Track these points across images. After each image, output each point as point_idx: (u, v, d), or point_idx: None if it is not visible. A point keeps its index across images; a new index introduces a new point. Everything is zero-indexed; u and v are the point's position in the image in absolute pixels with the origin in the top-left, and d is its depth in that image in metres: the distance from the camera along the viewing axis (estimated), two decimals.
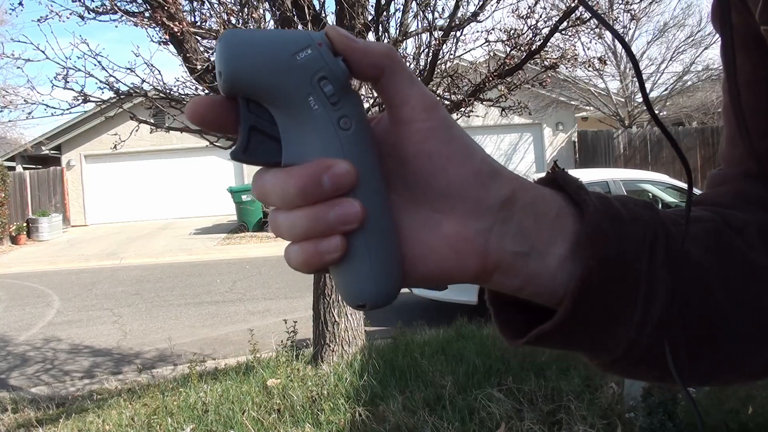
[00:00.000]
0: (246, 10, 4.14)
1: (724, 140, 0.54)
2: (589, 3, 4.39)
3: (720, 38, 0.48)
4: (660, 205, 7.60)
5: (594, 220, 0.36)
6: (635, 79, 17.46)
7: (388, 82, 0.35)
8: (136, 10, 4.10)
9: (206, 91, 4.25)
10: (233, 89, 0.33)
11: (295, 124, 0.34)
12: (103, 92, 4.37)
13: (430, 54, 4.28)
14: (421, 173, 0.36)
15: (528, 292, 0.38)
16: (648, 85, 18.26)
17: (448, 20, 4.27)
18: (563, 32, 4.54)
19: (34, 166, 19.27)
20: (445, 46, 4.37)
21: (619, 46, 17.40)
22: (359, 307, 0.35)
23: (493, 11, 4.71)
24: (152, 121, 4.73)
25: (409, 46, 7.63)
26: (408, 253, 0.36)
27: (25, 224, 16.34)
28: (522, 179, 0.38)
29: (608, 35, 16.03)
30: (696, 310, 0.39)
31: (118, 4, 4.02)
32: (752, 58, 0.49)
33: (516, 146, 17.94)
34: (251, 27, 4.07)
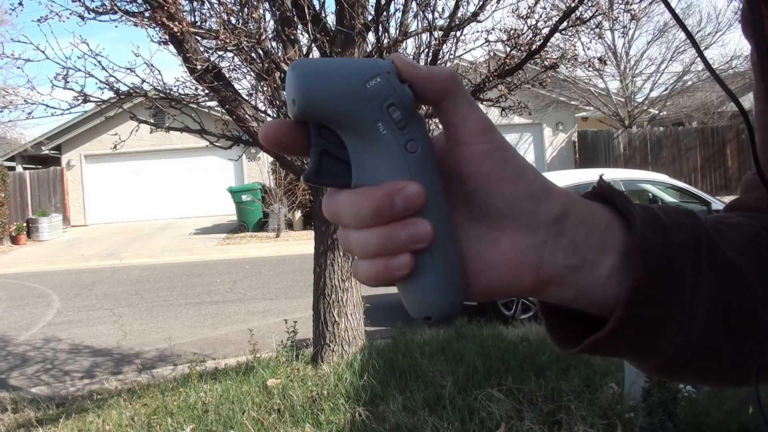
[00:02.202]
0: (246, 10, 4.14)
1: (759, 145, 0.54)
2: (589, 3, 4.38)
3: (750, 45, 0.49)
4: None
5: (641, 231, 0.38)
6: (635, 78, 17.52)
7: (449, 105, 0.37)
8: (136, 10, 4.09)
9: (206, 91, 4.25)
10: (306, 116, 0.35)
11: (364, 148, 0.36)
12: (103, 92, 4.37)
13: (430, 54, 4.28)
14: (477, 193, 0.38)
15: (581, 303, 0.40)
16: (648, 85, 18.25)
17: (448, 20, 4.26)
18: (563, 32, 4.54)
19: (34, 166, 19.28)
20: (445, 46, 4.36)
21: (619, 46, 17.42)
22: (426, 319, 0.37)
23: (493, 11, 4.71)
24: (152, 121, 4.73)
25: (409, 46, 7.64)
26: (467, 268, 0.38)
27: (25, 224, 16.34)
28: (572, 195, 0.40)
29: (608, 35, 16.04)
30: (740, 313, 0.40)
31: (118, 4, 4.01)
32: None
33: (516, 146, 17.85)
34: (251, 27, 4.07)
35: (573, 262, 0.38)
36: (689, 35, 0.46)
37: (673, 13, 0.49)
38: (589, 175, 7.45)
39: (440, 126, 0.39)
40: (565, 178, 7.33)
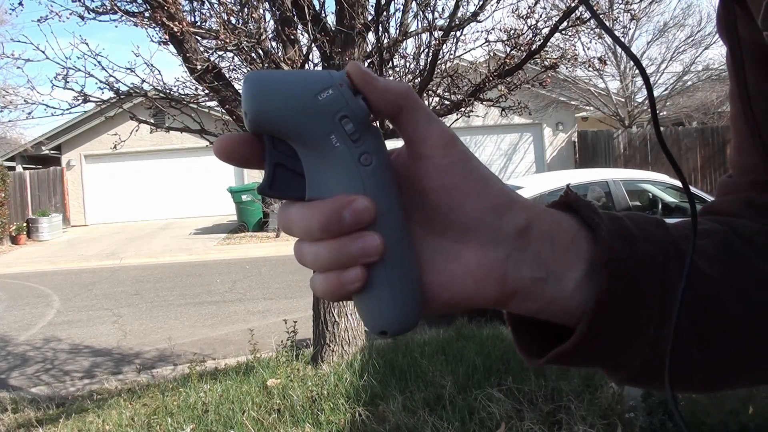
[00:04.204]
0: (246, 10, 4.14)
1: (733, 149, 0.54)
2: (590, 3, 4.40)
3: (726, 48, 0.49)
4: (660, 205, 7.59)
5: (607, 243, 0.38)
6: (635, 78, 17.49)
7: (407, 120, 0.37)
8: (136, 10, 4.10)
9: (206, 91, 4.25)
10: (258, 128, 0.35)
11: (318, 160, 0.35)
12: (103, 92, 4.37)
13: (430, 54, 4.28)
14: (440, 206, 0.37)
15: (546, 315, 0.39)
16: None
17: (448, 20, 4.27)
18: (563, 32, 4.54)
19: (34, 166, 19.27)
20: (445, 46, 4.36)
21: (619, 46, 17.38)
22: (381, 333, 0.37)
23: (493, 11, 4.72)
24: (152, 121, 4.73)
25: (409, 46, 7.64)
26: (430, 281, 0.37)
27: (25, 224, 16.33)
28: (537, 206, 0.39)
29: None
30: (709, 323, 0.40)
31: (118, 4, 4.01)
32: (757, 70, 0.49)
33: (516, 146, 17.93)
34: (251, 27, 4.07)
35: (538, 275, 0.38)
36: (621, 44, 0.45)
37: (597, 17, 0.47)
38: (589, 175, 7.45)
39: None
40: (565, 178, 7.33)
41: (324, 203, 0.34)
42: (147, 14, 3.91)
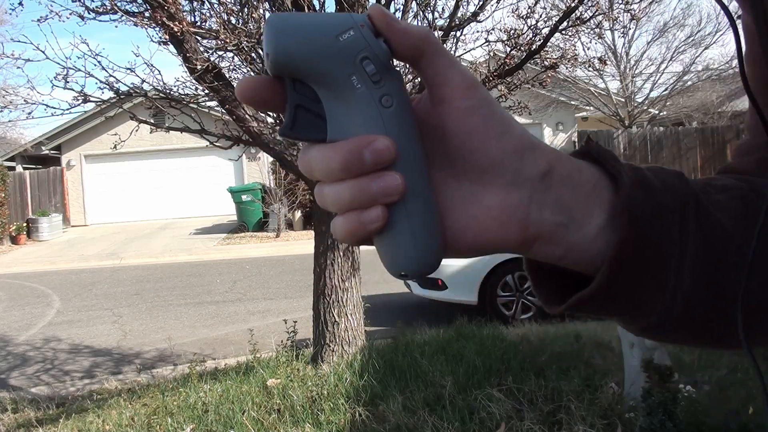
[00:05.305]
0: (246, 10, 4.14)
1: (749, 111, 0.55)
2: (589, 3, 4.37)
3: (743, 10, 0.49)
4: None
5: (628, 191, 0.38)
6: (635, 78, 17.51)
7: (428, 63, 0.37)
8: (136, 10, 4.10)
9: (206, 91, 4.25)
10: (279, 70, 0.35)
11: (338, 102, 0.35)
12: (103, 92, 4.37)
13: None
14: (462, 149, 0.37)
15: (567, 261, 0.40)
16: (648, 85, 18.23)
17: (448, 20, 4.27)
18: (563, 32, 4.54)
19: (34, 166, 19.28)
20: (445, 46, 4.36)
21: (619, 46, 17.41)
22: (401, 276, 0.37)
23: (493, 11, 4.72)
24: (152, 121, 4.73)
25: None
26: (452, 225, 0.38)
27: (25, 224, 16.34)
28: (559, 152, 0.39)
29: (608, 35, 16.04)
30: (726, 275, 0.40)
31: (118, 4, 4.01)
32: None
33: None
34: (251, 27, 4.07)
35: (560, 219, 0.38)
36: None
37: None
38: None
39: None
40: None
41: (345, 143, 0.35)
42: (147, 14, 3.91)
